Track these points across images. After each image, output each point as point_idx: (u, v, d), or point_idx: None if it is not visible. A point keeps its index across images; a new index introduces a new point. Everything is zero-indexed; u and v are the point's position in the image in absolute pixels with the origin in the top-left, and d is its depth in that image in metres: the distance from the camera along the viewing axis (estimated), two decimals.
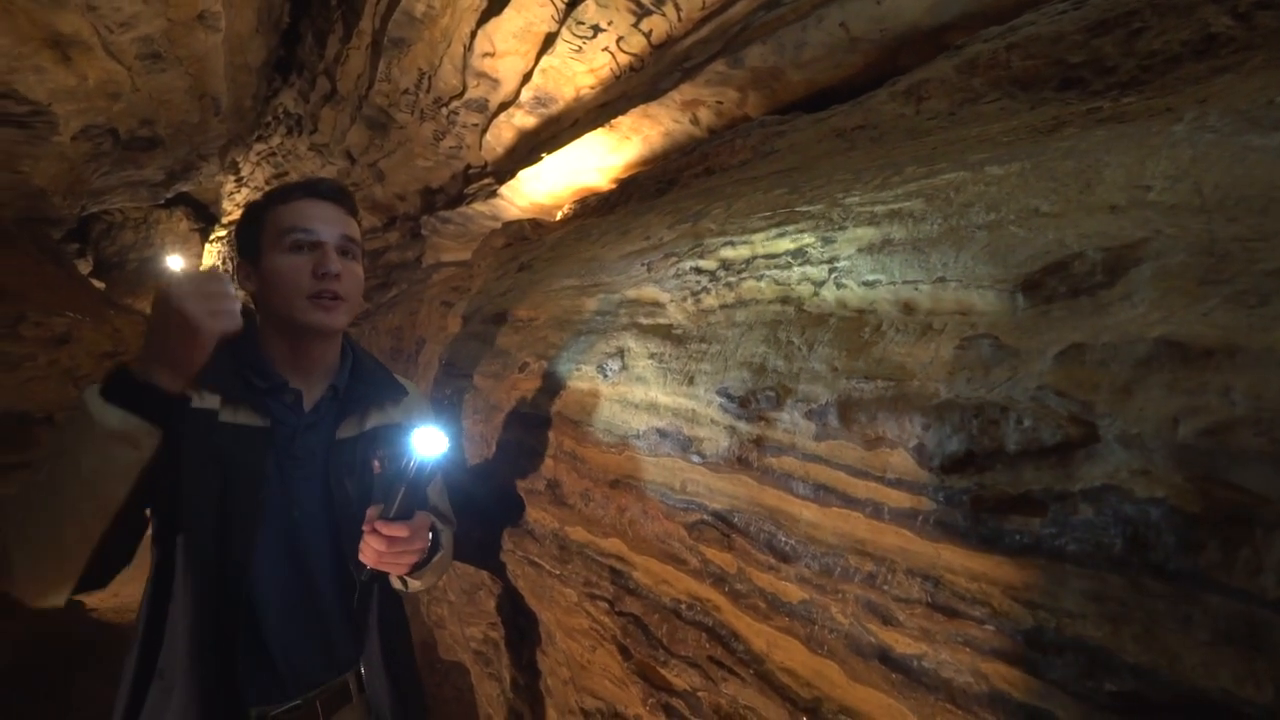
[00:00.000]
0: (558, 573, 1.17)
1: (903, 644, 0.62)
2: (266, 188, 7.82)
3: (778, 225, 0.99)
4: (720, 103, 2.33)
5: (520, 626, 1.61)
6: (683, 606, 0.91)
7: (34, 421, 2.24)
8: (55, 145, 3.41)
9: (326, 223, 0.99)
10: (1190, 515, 0.45)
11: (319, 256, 0.96)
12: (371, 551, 0.91)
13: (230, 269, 9.35)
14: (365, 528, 0.91)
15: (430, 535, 0.97)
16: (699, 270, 1.07)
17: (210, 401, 0.90)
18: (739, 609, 0.81)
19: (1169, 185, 0.57)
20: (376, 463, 1.01)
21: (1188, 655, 0.44)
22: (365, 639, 1.00)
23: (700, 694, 0.88)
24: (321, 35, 5.11)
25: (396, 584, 1.07)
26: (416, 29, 3.78)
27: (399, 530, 0.89)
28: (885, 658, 0.63)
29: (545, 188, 3.59)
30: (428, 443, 0.85)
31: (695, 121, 2.55)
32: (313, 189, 1.02)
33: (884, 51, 1.81)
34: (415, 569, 0.97)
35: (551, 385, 1.21)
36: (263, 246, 0.98)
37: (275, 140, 6.85)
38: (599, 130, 2.82)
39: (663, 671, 0.94)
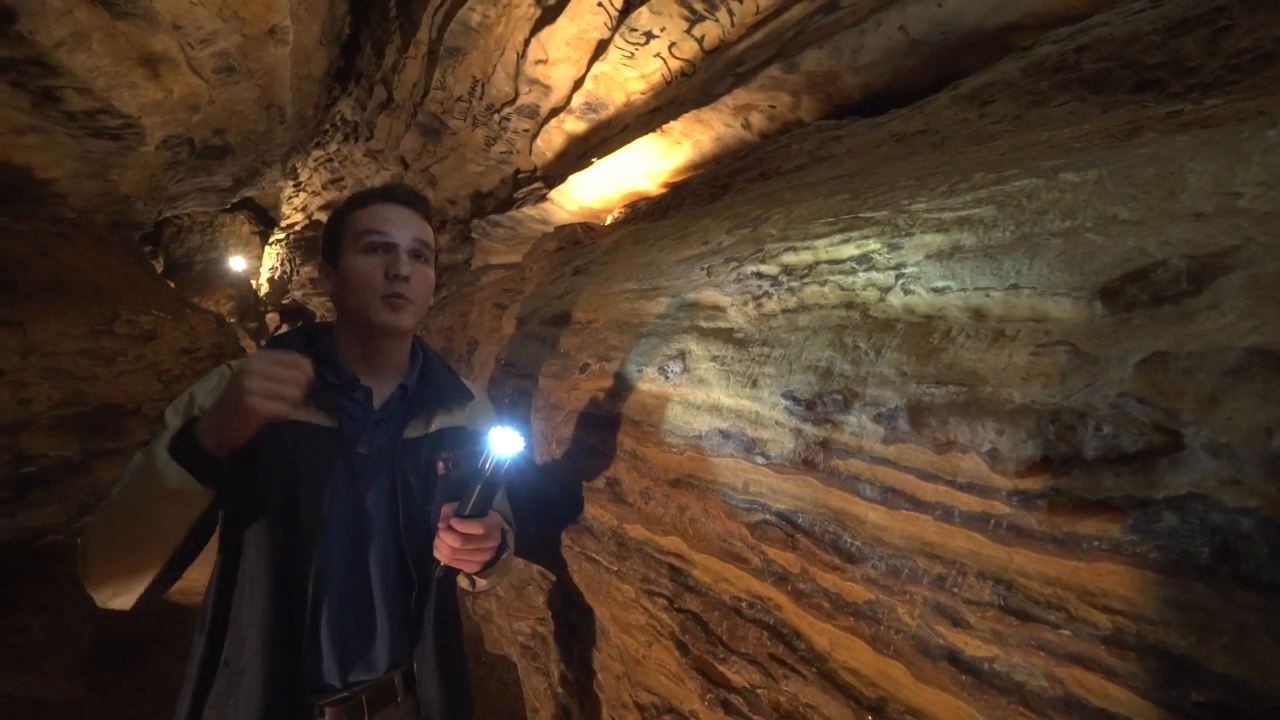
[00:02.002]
0: (615, 569, 1.21)
1: (973, 646, 0.63)
2: (323, 192, 8.13)
3: (841, 231, 1.00)
4: (773, 107, 2.33)
5: (572, 622, 1.65)
6: (743, 604, 0.93)
7: (126, 412, 2.43)
8: (140, 155, 3.65)
9: (400, 226, 1.02)
10: None
11: (391, 258, 1.00)
12: (446, 548, 0.92)
13: (288, 272, 9.77)
14: (440, 525, 0.93)
15: (500, 534, 0.98)
16: (760, 275, 1.09)
17: None
18: (801, 608, 0.83)
19: (1262, 192, 0.56)
20: (441, 464, 1.03)
21: None
22: (421, 637, 1.02)
23: (759, 691, 0.90)
24: (380, 45, 5.32)
25: (464, 583, 1.10)
26: (472, 38, 3.90)
27: (474, 528, 0.91)
28: (955, 659, 0.64)
29: (594, 192, 3.65)
30: (504, 442, 0.87)
31: (747, 126, 2.56)
32: (389, 194, 1.05)
33: (944, 54, 1.79)
34: (485, 567, 0.98)
35: (612, 386, 1.25)
36: (342, 248, 1.02)
37: (332, 147, 7.16)
38: (650, 135, 2.86)
39: (721, 668, 0.96)
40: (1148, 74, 1.08)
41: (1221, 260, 0.55)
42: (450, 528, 0.91)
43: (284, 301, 10.32)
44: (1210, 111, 0.81)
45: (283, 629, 0.90)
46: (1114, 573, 0.53)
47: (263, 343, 9.53)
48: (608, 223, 3.21)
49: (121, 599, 0.87)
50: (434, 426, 1.06)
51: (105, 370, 2.41)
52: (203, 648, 0.92)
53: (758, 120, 2.52)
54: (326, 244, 1.07)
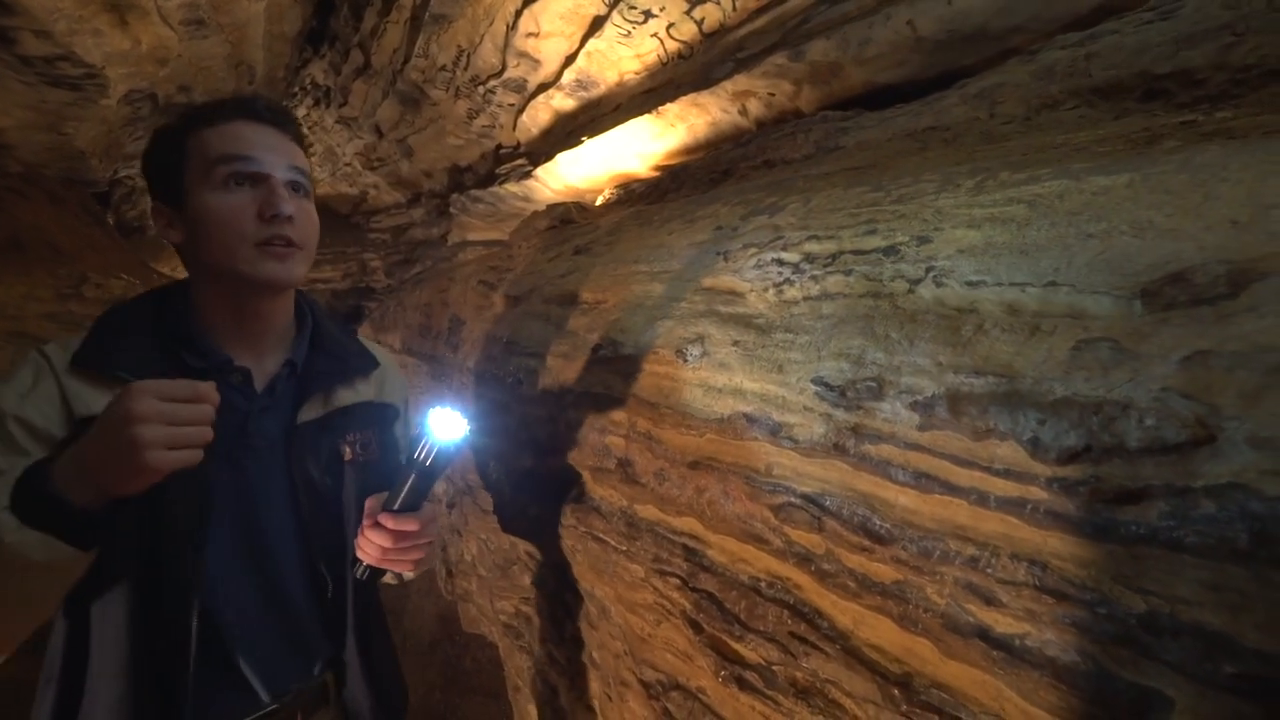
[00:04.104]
0: (624, 549, 1.22)
1: (1004, 624, 0.66)
2: None
3: (866, 222, 1.01)
4: (773, 95, 2.34)
5: (565, 601, 1.66)
6: (762, 584, 0.95)
7: None
8: (100, 108, 3.44)
9: (270, 150, 0.80)
10: None
11: (265, 193, 0.78)
12: (374, 547, 0.80)
13: None
14: (366, 521, 0.81)
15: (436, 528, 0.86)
16: (781, 262, 1.10)
17: None
18: (825, 588, 0.85)
19: None
20: (348, 448, 0.89)
21: None
22: (342, 637, 0.89)
23: (776, 667, 0.93)
24: (358, 7, 5.11)
25: (389, 577, 0.95)
26: (459, 6, 3.78)
27: (408, 524, 0.79)
28: (985, 636, 0.67)
29: (583, 171, 3.61)
30: (447, 426, 0.76)
31: (744, 113, 2.56)
32: (247, 108, 0.82)
33: (948, 52, 1.82)
34: (417, 564, 0.85)
35: (626, 367, 1.25)
36: (188, 183, 0.78)
37: (301, 111, 6.87)
38: (645, 116, 2.84)
39: (736, 645, 0.99)
40: (1156, 84, 1.12)
41: (1258, 266, 0.59)
42: (378, 524, 0.79)
43: None
44: (1228, 124, 0.85)
45: (155, 674, 0.73)
46: (1150, 556, 0.56)
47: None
48: (598, 204, 3.18)
49: None
50: (334, 404, 0.89)
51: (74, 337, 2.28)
52: (51, 703, 0.75)
53: (755, 107, 2.53)
54: (160, 177, 0.82)
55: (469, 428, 0.78)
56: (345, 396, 0.91)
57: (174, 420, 0.60)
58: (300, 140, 0.87)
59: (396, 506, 0.79)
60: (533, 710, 1.89)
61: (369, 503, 0.82)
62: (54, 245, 2.51)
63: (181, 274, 0.90)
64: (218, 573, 0.78)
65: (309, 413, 0.86)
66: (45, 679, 0.77)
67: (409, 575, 0.93)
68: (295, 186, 0.82)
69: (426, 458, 0.77)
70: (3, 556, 0.60)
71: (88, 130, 3.69)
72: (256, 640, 0.82)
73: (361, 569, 0.84)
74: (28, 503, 0.61)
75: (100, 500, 0.62)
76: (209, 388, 0.64)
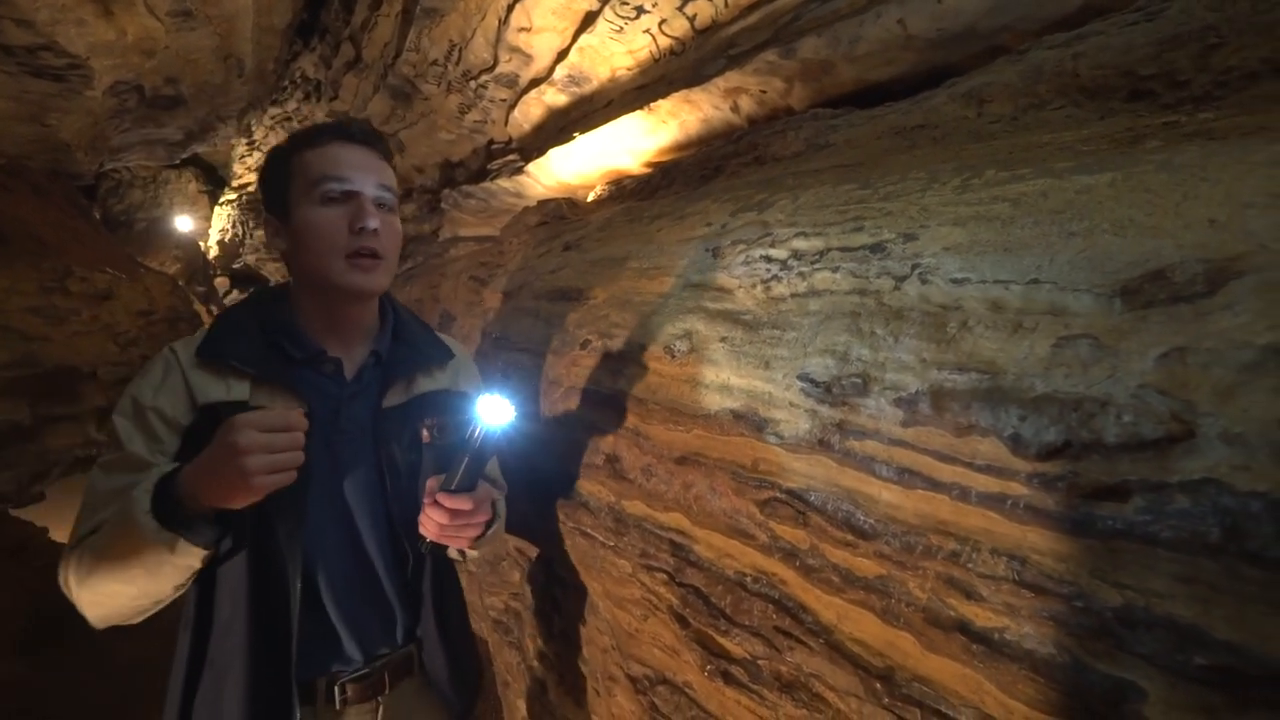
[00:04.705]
0: (611, 544, 1.22)
1: (984, 617, 0.67)
2: None
3: (854, 220, 1.02)
4: (764, 92, 2.34)
5: (554, 597, 1.67)
6: (748, 579, 0.96)
7: (81, 376, 2.28)
8: (85, 100, 3.40)
9: (361, 170, 0.91)
10: None
11: (355, 209, 0.88)
12: (433, 524, 0.88)
13: (240, 235, 9.30)
14: (426, 500, 0.89)
15: (490, 507, 0.94)
16: (769, 259, 1.10)
17: (239, 392, 0.87)
18: (809, 582, 0.86)
19: (1272, 203, 0.61)
20: (425, 432, 0.98)
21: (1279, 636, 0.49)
22: (420, 609, 0.99)
23: (761, 661, 0.93)
24: (349, 0, 5.06)
25: (453, 554, 1.07)
26: None
27: (462, 503, 0.86)
28: (966, 629, 0.68)
29: (574, 167, 3.60)
30: (494, 412, 0.81)
31: (735, 110, 2.56)
32: (343, 132, 0.93)
33: (937, 51, 1.82)
34: (475, 540, 0.94)
35: (614, 363, 1.25)
36: (292, 199, 0.90)
37: (291, 105, 6.80)
38: (637, 112, 2.83)
39: (722, 640, 0.99)
40: (1141, 85, 1.13)
41: (1235, 265, 0.59)
42: (437, 503, 0.87)
43: (235, 266, 9.85)
44: (1209, 125, 0.86)
45: (267, 625, 0.86)
46: (1126, 550, 0.57)
47: (212, 309, 9.09)
48: (589, 199, 3.17)
49: (126, 623, 0.85)
50: (415, 391, 1.00)
51: (58, 331, 2.26)
52: (188, 646, 0.88)
53: (746, 104, 2.53)
54: (270, 193, 0.94)
55: (515, 413, 0.83)
56: (424, 384, 1.01)
57: (272, 449, 0.71)
58: (389, 157, 0.97)
59: (453, 487, 0.86)
60: (522, 706, 1.89)
61: (429, 483, 0.89)
62: (38, 238, 2.48)
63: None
64: (315, 543, 0.89)
65: (393, 398, 0.97)
66: (183, 624, 0.90)
67: (472, 554, 1.03)
68: (381, 202, 0.92)
69: (477, 440, 0.83)
70: (146, 552, 0.72)
71: (72, 122, 3.65)
72: (349, 606, 0.92)
73: (425, 544, 0.93)
74: (163, 508, 0.72)
75: (214, 510, 0.74)
76: (299, 417, 0.75)
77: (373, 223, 0.88)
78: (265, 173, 0.96)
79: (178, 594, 0.82)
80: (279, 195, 0.92)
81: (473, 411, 0.83)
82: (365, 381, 0.97)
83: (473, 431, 0.83)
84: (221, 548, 0.79)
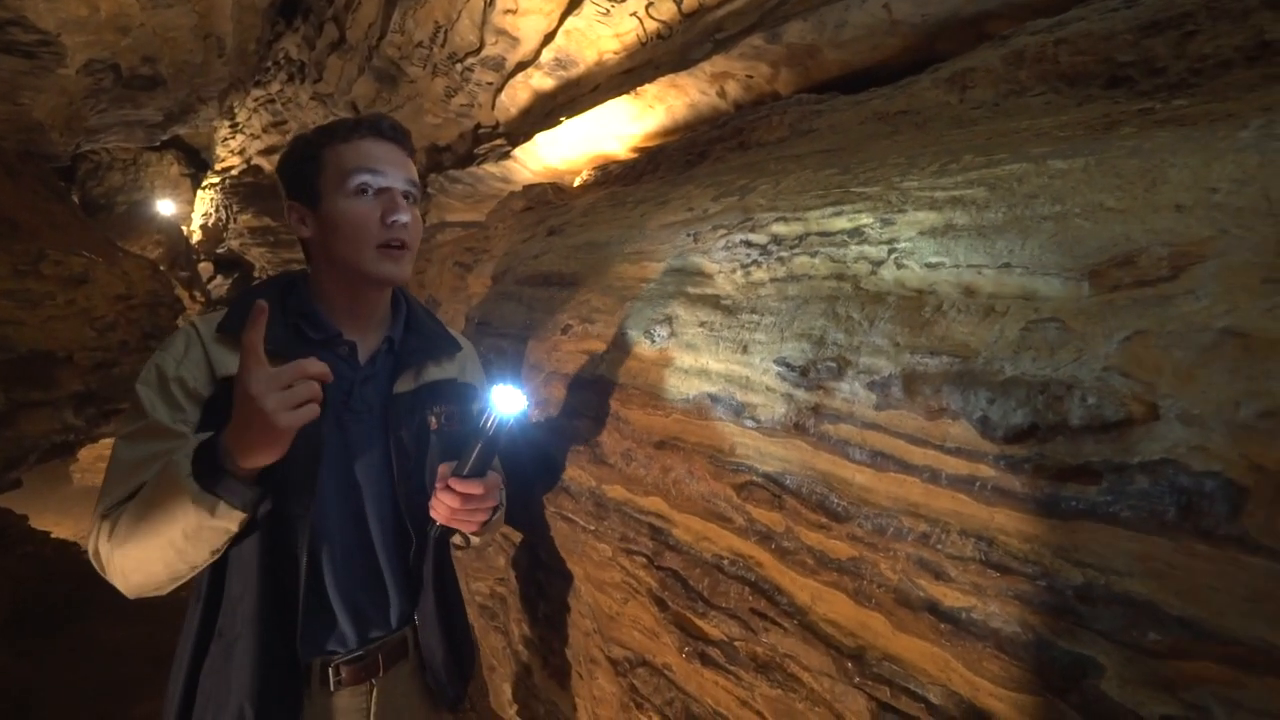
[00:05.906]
0: (592, 528, 1.23)
1: (952, 597, 0.68)
2: (264, 135, 7.62)
3: (833, 204, 1.02)
4: (751, 77, 2.33)
5: (538, 581, 1.67)
6: (725, 562, 0.96)
7: (57, 361, 2.23)
8: (58, 78, 3.31)
9: (393, 165, 0.95)
10: (1243, 487, 0.50)
11: (387, 202, 0.93)
12: (444, 508, 0.91)
13: (224, 219, 9.14)
14: (438, 485, 0.92)
15: (498, 494, 0.98)
16: (749, 244, 1.10)
17: None
18: (785, 565, 0.87)
19: (1236, 188, 0.61)
20: (433, 419, 1.01)
21: (1229, 609, 0.50)
22: (420, 593, 1.02)
23: (737, 643, 0.94)
24: None
25: (457, 539, 1.10)
26: None
27: (474, 488, 0.90)
28: (934, 609, 0.69)
29: (561, 152, 3.57)
30: (507, 401, 0.85)
31: (722, 94, 2.55)
32: (375, 128, 0.97)
33: (922, 36, 1.82)
34: (482, 526, 0.98)
35: (594, 348, 1.25)
36: (323, 189, 0.94)
37: (275, 87, 6.67)
38: (624, 97, 2.81)
39: (700, 622, 1.00)
40: (1120, 71, 1.14)
41: (1199, 249, 0.60)
42: (449, 488, 0.90)
43: (219, 251, 9.69)
44: (1181, 111, 0.87)
45: (275, 598, 0.89)
46: (1088, 530, 0.58)
47: (196, 294, 8.96)
48: (576, 185, 3.15)
49: (147, 594, 0.86)
50: (424, 379, 1.03)
51: (32, 315, 2.21)
52: (198, 618, 0.91)
53: (733, 89, 2.51)
54: (297, 181, 0.98)
55: (527, 403, 0.87)
56: (433, 373, 1.04)
57: (286, 386, 0.73)
58: (413, 154, 1.01)
59: (466, 472, 0.89)
60: (507, 689, 1.91)
61: (441, 468, 0.92)
62: (11, 221, 2.42)
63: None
64: (321, 521, 0.91)
65: (403, 385, 1.00)
66: (194, 597, 0.92)
67: (475, 540, 1.07)
68: (408, 196, 0.96)
69: (490, 428, 0.86)
70: (187, 516, 0.74)
71: (46, 101, 3.56)
72: (348, 586, 0.95)
73: (434, 527, 0.96)
74: (203, 473, 0.74)
75: (252, 472, 0.76)
76: (311, 361, 0.76)
77: (404, 216, 0.93)
78: (291, 160, 0.99)
79: (213, 559, 0.83)
80: (307, 183, 0.95)
81: (487, 400, 0.86)
82: (378, 366, 1.00)
83: (487, 419, 0.86)
84: (260, 510, 0.80)
